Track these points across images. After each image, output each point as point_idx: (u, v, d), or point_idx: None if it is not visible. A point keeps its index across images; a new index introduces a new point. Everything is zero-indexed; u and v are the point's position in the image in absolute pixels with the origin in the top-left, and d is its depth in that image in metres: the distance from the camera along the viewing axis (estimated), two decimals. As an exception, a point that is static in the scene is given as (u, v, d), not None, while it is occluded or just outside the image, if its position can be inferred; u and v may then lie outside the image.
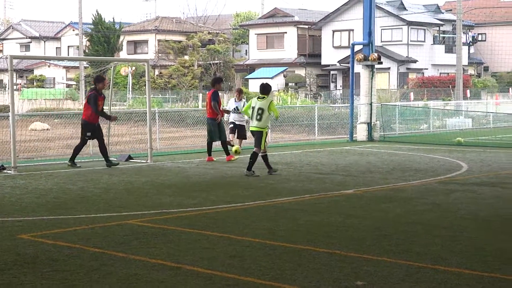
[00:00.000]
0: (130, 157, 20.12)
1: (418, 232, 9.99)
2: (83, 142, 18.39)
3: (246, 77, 65.01)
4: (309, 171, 17.33)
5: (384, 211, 11.79)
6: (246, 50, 72.97)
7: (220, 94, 20.88)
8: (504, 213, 11.55)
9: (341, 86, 61.91)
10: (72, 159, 18.31)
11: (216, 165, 18.84)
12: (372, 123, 27.48)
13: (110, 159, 18.50)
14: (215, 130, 19.62)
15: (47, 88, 70.17)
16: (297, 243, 9.22)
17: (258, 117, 16.37)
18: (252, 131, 16.70)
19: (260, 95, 16.62)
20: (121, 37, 68.52)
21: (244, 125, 21.97)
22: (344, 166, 18.38)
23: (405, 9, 61.68)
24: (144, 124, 21.96)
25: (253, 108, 16.46)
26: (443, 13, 65.06)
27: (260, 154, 16.55)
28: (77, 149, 18.37)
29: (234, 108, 21.85)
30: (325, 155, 21.53)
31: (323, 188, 14.42)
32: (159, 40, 71.49)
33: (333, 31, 63.54)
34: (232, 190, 14.15)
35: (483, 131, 32.17)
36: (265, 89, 16.76)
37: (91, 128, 18.15)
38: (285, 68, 64.67)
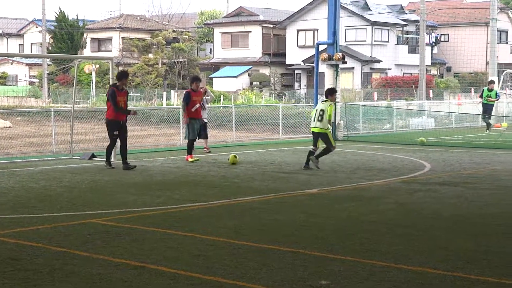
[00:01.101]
0: (93, 156, 20.00)
1: (381, 231, 10.04)
2: (113, 142, 17.92)
3: (211, 75, 64.92)
4: (274, 170, 17.35)
5: (348, 210, 11.84)
6: (210, 49, 72.86)
7: (184, 92, 20.52)
8: (466, 213, 11.66)
9: (305, 85, 62.08)
10: (107, 160, 17.86)
11: (180, 164, 18.78)
12: (336, 123, 27.57)
13: (127, 160, 17.70)
14: (192, 128, 19.35)
15: (10, 85, 69.45)
16: (262, 242, 9.22)
17: (320, 118, 17.63)
18: (312, 132, 17.91)
19: (325, 98, 17.95)
20: (85, 35, 68.03)
21: (206, 124, 21.69)
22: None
23: (369, 9, 62.03)
24: (108, 122, 21.77)
25: (316, 109, 17.83)
26: (406, 13, 65.54)
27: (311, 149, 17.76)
28: (109, 150, 17.98)
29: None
30: (290, 154, 21.57)
31: (288, 187, 14.45)
32: (123, 38, 71.11)
33: (298, 31, 63.68)
34: (196, 189, 14.12)
35: (446, 131, 32.45)
36: (329, 92, 18.19)
37: (116, 126, 17.70)
38: (250, 67, 64.69)
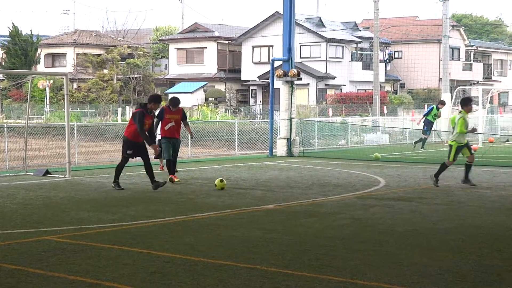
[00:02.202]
0: (47, 172, 19.80)
1: (337, 247, 10.10)
2: (124, 161, 16.95)
3: (166, 91, 64.75)
4: (230, 186, 17.34)
5: (304, 226, 11.88)
6: (166, 65, 72.71)
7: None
8: (420, 228, 11.78)
9: (260, 101, 62.24)
10: (115, 180, 16.85)
11: (136, 180, 18.69)
12: (292, 139, 27.71)
13: (155, 179, 16.63)
14: (166, 147, 17.95)
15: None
16: (218, 259, 9.22)
17: (453, 130, 17.80)
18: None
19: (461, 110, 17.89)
20: (39, 50, 67.47)
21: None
22: (264, 181, 18.46)
23: (323, 26, 62.48)
24: (62, 138, 21.67)
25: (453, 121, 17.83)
26: (360, 30, 66.15)
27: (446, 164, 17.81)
28: (119, 169, 16.95)
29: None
30: (245, 170, 21.59)
31: (244, 203, 14.46)
32: (77, 54, 70.65)
33: (253, 47, 63.89)
34: (152, 205, 14.06)
35: (400, 147, 32.77)
36: (463, 103, 18.02)
37: (133, 146, 16.67)
38: (205, 83, 64.67)
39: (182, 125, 18.49)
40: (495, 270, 8.80)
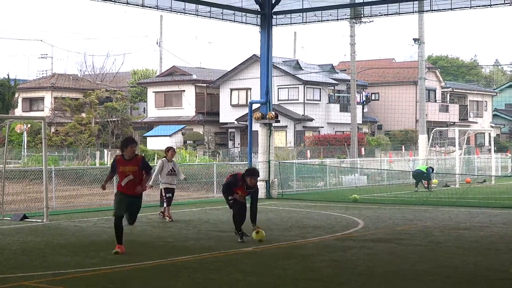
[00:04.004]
0: (25, 217, 19.66)
1: (317, 289, 10.09)
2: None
3: (145, 134, 64.70)
4: (208, 229, 17.30)
5: (283, 268, 11.86)
6: (144, 108, 72.73)
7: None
8: (399, 269, 11.79)
9: (239, 143, 62.31)
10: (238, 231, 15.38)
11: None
12: (270, 181, 27.75)
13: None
14: (119, 201, 13.69)
15: None
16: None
17: None
18: None
19: None
20: (16, 94, 67.28)
21: (174, 189, 19.82)
22: (243, 224, 18.40)
23: (301, 68, 62.89)
24: (40, 183, 21.55)
25: None
26: (337, 73, 66.63)
27: None
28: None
29: (170, 170, 19.45)
30: (224, 213, 21.53)
31: (223, 246, 14.41)
32: (55, 97, 70.53)
33: (231, 90, 64.12)
34: (130, 249, 13.97)
35: (378, 188, 32.87)
36: None
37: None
38: (184, 126, 64.69)
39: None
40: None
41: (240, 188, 15.17)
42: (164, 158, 19.78)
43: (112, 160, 14.35)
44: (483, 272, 11.55)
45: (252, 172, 15.48)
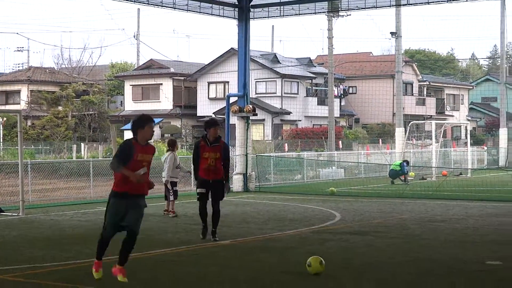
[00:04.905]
0: (1, 210, 19.53)
1: (293, 282, 10.10)
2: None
3: (122, 128, 64.47)
4: (186, 222, 17.28)
5: (260, 261, 11.87)
6: (121, 101, 72.46)
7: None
8: (376, 262, 11.83)
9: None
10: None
11: (90, 217, 18.50)
12: (248, 174, 27.74)
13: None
14: (114, 213, 10.20)
15: None
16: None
17: None
18: None
19: None
20: (-8, 87, 66.84)
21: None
22: (220, 217, 18.38)
23: (278, 62, 62.89)
24: (16, 176, 21.39)
25: None
26: (315, 66, 66.70)
27: None
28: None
29: (178, 164, 19.17)
30: (202, 206, 21.50)
31: (200, 239, 14.39)
32: (31, 91, 70.07)
33: (209, 83, 64.02)
34: (107, 243, 13.91)
35: (355, 181, 32.97)
36: None
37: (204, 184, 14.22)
38: (161, 119, 64.52)
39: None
40: (450, 302, 8.87)
41: (205, 149, 14.01)
42: (173, 151, 19.21)
43: (122, 144, 10.23)
44: (459, 264, 11.62)
45: (210, 122, 14.15)
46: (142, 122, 10.04)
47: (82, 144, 51.85)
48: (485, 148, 52.11)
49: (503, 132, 51.13)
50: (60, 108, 67.55)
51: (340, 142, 51.38)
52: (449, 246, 13.56)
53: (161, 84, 66.02)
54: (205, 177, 14.09)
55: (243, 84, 27.73)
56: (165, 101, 65.70)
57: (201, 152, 14.09)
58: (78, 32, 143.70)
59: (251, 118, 28.12)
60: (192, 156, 14.80)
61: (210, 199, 14.27)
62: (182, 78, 66.02)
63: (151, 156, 10.09)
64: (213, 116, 61.12)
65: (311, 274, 10.40)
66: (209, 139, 14.03)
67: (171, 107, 65.31)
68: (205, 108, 63.42)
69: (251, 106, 27.68)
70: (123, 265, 10.08)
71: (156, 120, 64.23)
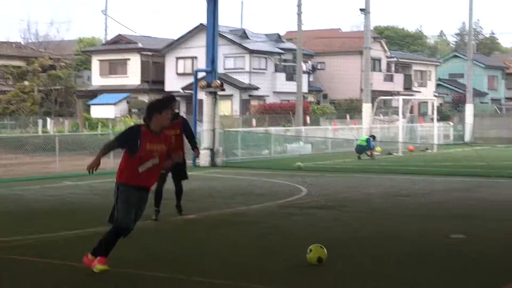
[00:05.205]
0: (-36, 185, 19.34)
1: (259, 256, 10.12)
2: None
3: (89, 102, 64.01)
4: (150, 197, 17.18)
5: (226, 235, 11.87)
6: (88, 76, 71.88)
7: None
8: (341, 236, 11.89)
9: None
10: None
11: (55, 192, 18.38)
12: (215, 149, 27.70)
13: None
14: (127, 206, 9.06)
15: None
16: (138, 269, 9.12)
17: None
18: None
19: None
20: (-42, 62, 65.96)
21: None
22: (186, 192, 18.32)
23: (247, 38, 62.69)
24: (-20, 151, 21.18)
25: None
26: (284, 42, 66.58)
27: None
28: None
29: None
30: (168, 180, 21.41)
31: (165, 213, 14.33)
32: (-3, 65, 69.27)
33: (177, 58, 63.69)
34: (72, 217, 13.86)
35: (322, 156, 33.06)
36: None
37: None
38: (128, 94, 64.17)
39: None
40: (414, 276, 8.93)
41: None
42: None
43: (128, 128, 9.21)
44: (424, 238, 11.70)
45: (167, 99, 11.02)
46: (161, 106, 8.83)
47: (48, 119, 51.39)
48: (451, 123, 52.49)
49: (469, 108, 51.52)
50: (26, 83, 66.84)
51: (308, 117, 51.46)
52: (414, 221, 13.66)
53: (129, 59, 65.59)
54: None
55: (211, 59, 27.61)
56: (132, 76, 65.30)
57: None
58: (45, 7, 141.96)
59: (219, 93, 28.03)
60: None
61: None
62: (150, 53, 65.63)
63: (164, 146, 8.86)
64: (181, 91, 60.97)
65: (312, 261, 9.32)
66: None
67: (139, 82, 64.95)
68: (173, 84, 63.15)
69: (219, 82, 27.59)
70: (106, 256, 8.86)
71: (123, 95, 63.91)
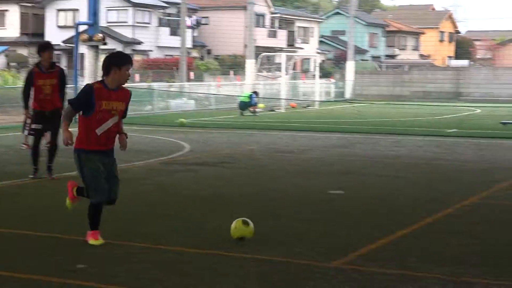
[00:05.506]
0: None
1: (141, 213, 10.11)
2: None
3: (-36, 55, 61.84)
4: (26, 153, 16.83)
5: (108, 192, 11.76)
6: (-37, 27, 69.30)
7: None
8: (224, 192, 11.99)
9: (65, 66, 60.74)
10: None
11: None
12: (97, 105, 27.29)
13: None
14: (95, 176, 8.30)
15: None
16: (19, 229, 8.98)
17: None
18: None
19: None
20: None
21: None
22: (62, 149, 18.05)
23: (131, -10, 61.73)
24: None
25: None
26: (168, -5, 65.93)
27: None
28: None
29: None
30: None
31: (42, 171, 14.07)
32: None
33: (58, 10, 62.14)
34: None
35: (206, 112, 33.12)
36: None
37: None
38: (7, 47, 62.27)
39: None
40: (293, 231, 9.13)
41: (40, 76, 12.65)
42: None
43: (82, 88, 8.45)
44: (304, 193, 11.95)
45: (43, 45, 12.77)
46: (119, 60, 8.09)
47: None
48: (333, 80, 53.43)
49: (350, 65, 52.51)
50: None
51: (192, 73, 51.31)
52: (294, 176, 13.91)
53: (7, 10, 63.54)
54: (41, 108, 12.66)
55: (93, 12, 27.03)
56: (11, 28, 63.32)
57: (35, 80, 12.56)
58: None
59: (101, 47, 27.56)
60: (23, 86, 12.95)
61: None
62: (30, 4, 63.74)
63: (124, 104, 8.26)
64: (62, 45, 59.58)
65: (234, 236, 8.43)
66: (44, 65, 12.70)
67: (18, 35, 63.09)
68: (54, 36, 61.49)
69: (101, 35, 27.07)
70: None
71: (1, 48, 61.97)
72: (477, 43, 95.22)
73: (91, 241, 8.18)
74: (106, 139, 8.13)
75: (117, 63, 8.01)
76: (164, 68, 55.75)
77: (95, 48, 27.13)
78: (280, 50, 66.10)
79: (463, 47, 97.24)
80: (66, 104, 8.89)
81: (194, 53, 66.11)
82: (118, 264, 7.43)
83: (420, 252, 8.07)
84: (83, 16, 47.18)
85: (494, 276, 7.16)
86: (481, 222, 9.82)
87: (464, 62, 75.90)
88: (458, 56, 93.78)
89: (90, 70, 27.22)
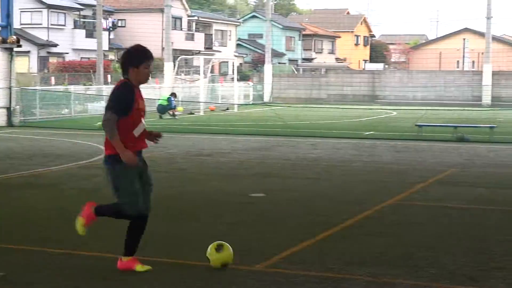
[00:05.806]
0: None
1: (58, 219, 9.91)
2: None
3: None
4: None
5: (25, 198, 11.53)
6: None
7: None
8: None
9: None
10: None
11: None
12: (12, 108, 26.77)
13: None
14: (131, 182, 7.51)
15: None
16: None
17: None
18: None
19: None
20: None
21: None
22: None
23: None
24: None
25: None
26: (83, -3, 65.09)
27: None
28: None
29: None
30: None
31: (-41, 176, 13.75)
32: None
33: (-31, 11, 60.66)
34: None
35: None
36: None
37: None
38: None
39: None
40: (214, 234, 9.08)
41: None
42: None
43: (121, 87, 7.20)
44: (224, 196, 11.92)
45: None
46: (138, 59, 7.14)
47: None
48: (251, 83, 53.62)
49: (268, 68, 52.79)
50: None
51: (109, 76, 50.74)
52: (214, 179, 13.87)
53: None
54: None
55: (7, 13, 26.56)
56: None
57: None
58: None
59: (15, 49, 27.07)
60: None
61: None
62: None
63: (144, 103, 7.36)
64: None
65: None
66: None
67: None
68: (-35, 38, 60.12)
69: (15, 37, 26.64)
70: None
71: None
72: (391, 46, 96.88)
73: (138, 267, 7.29)
74: (141, 139, 7.37)
75: (134, 62, 7.11)
76: (81, 70, 54.98)
77: (9, 50, 26.63)
78: (198, 53, 66.04)
79: (377, 50, 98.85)
80: None
81: (111, 56, 65.43)
82: (37, 271, 7.26)
83: (342, 253, 8.13)
84: (-4, 17, 46.21)
85: (415, 277, 7.26)
86: (400, 223, 9.97)
87: (379, 66, 77.12)
88: (373, 59, 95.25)
89: (4, 73, 26.67)
